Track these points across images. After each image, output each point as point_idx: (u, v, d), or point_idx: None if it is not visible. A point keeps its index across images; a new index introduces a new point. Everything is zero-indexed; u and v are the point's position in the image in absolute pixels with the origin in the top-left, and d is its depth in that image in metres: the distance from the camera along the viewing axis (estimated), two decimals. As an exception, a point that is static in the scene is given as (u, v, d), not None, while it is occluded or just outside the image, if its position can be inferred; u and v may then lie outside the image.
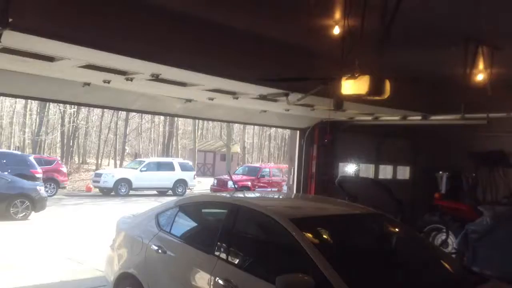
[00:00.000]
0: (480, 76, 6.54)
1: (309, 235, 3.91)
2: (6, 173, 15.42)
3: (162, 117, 44.41)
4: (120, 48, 4.73)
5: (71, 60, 5.10)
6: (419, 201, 10.01)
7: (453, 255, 6.84)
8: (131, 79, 5.84)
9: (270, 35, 5.84)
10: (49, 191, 19.40)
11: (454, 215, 8.87)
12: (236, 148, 45.73)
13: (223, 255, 4.19)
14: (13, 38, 4.16)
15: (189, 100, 7.76)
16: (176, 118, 41.88)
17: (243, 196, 5.61)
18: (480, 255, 5.98)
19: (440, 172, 9.83)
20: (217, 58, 5.57)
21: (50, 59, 5.12)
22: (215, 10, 5.10)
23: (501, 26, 5.47)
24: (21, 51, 4.81)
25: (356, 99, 5.57)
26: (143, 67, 5.30)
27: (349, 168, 10.55)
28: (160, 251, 4.77)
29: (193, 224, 5.29)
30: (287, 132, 44.12)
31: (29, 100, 35.83)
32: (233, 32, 5.65)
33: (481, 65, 6.44)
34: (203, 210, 5.36)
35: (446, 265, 4.29)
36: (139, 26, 4.94)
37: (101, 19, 4.64)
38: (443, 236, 8.79)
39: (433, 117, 8.49)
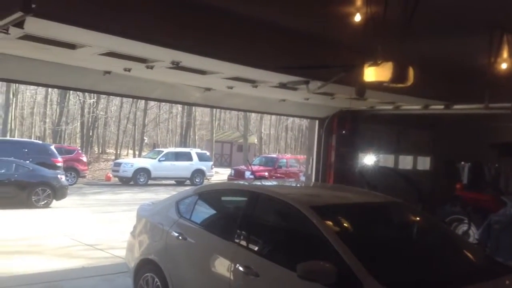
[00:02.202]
0: (504, 65, 6.39)
1: (330, 223, 3.88)
2: (27, 161, 15.70)
3: (180, 108, 44.68)
4: (141, 35, 4.73)
5: (93, 47, 5.12)
6: (440, 191, 9.87)
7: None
8: (152, 67, 5.84)
9: (291, 25, 5.78)
10: (69, 180, 19.67)
11: (476, 206, 8.72)
12: (253, 139, 45.76)
13: (243, 242, 4.19)
14: (36, 25, 4.18)
15: (208, 89, 7.75)
16: (193, 109, 42.13)
17: (263, 184, 5.60)
18: (504, 245, 5.87)
19: (462, 163, 9.68)
20: (236, 46, 5.54)
21: (72, 46, 5.16)
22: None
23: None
24: (43, 38, 4.85)
25: (378, 86, 5.51)
26: (163, 55, 5.30)
27: (369, 158, 10.44)
28: (180, 237, 4.79)
29: (213, 211, 5.30)
30: (304, 123, 44.01)
31: (49, 91, 36.49)
32: (253, 21, 5.61)
33: (505, 54, 6.29)
34: (222, 198, 5.37)
35: (471, 255, 4.22)
36: (161, 14, 4.94)
37: (123, 6, 4.64)
38: (464, 227, 8.66)
39: (456, 106, 8.32)
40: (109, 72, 6.56)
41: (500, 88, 6.57)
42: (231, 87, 7.32)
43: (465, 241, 5.34)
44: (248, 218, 4.42)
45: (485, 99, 7.33)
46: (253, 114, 44.08)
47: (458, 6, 5.11)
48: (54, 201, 14.53)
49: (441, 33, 6.06)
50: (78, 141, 39.91)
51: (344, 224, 4.17)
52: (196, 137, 47.98)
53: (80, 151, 25.15)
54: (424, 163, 11.67)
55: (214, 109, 40.13)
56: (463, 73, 7.91)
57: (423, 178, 10.35)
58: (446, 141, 10.82)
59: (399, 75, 4.84)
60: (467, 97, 7.82)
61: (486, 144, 9.34)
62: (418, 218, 4.64)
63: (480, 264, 4.07)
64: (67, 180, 17.33)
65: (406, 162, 11.33)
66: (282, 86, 6.91)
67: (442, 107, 8.52)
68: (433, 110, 8.71)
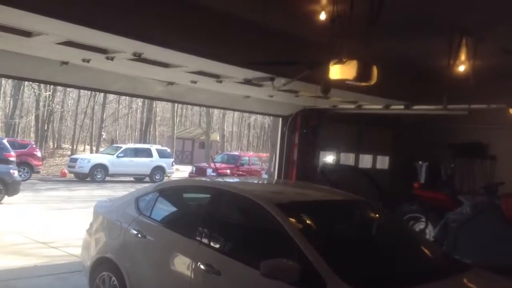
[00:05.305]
0: (462, 67, 6.55)
1: (294, 220, 3.86)
2: (-22, 155, 14.98)
3: (139, 103, 43.83)
4: (102, 24, 4.54)
5: (50, 35, 4.88)
6: (398, 190, 10.07)
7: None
8: (112, 58, 5.64)
9: (258, 21, 5.71)
10: (22, 175, 18.91)
11: (433, 205, 8.95)
12: (215, 136, 45.52)
13: (205, 240, 4.11)
14: (-12, 10, 3.95)
15: (171, 83, 7.58)
16: (154, 104, 41.44)
17: (226, 181, 5.52)
18: (461, 243, 6.03)
19: (420, 162, 9.90)
20: (202, 39, 5.42)
21: (27, 34, 4.90)
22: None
23: (487, 17, 5.47)
24: (-4, 24, 4.59)
25: (342, 85, 5.53)
26: (125, 45, 5.12)
27: (331, 156, 10.54)
28: (139, 235, 4.66)
29: (174, 208, 5.18)
30: (267, 121, 44.08)
31: (3, 83, 34.98)
32: (220, 16, 5.53)
33: (463, 56, 6.45)
34: (184, 195, 5.25)
35: (431, 253, 4.29)
36: (123, 2, 4.76)
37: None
38: (421, 225, 8.86)
39: (415, 107, 8.50)
40: (66, 63, 6.29)
41: (458, 90, 6.73)
42: (195, 82, 7.19)
43: (425, 239, 5.44)
44: (211, 215, 4.34)
45: (443, 100, 7.51)
46: (215, 111, 43.85)
47: (422, 7, 5.20)
48: (6, 197, 13.91)
49: (404, 34, 6.15)
50: (32, 135, 38.51)
51: (308, 222, 4.16)
52: (157, 133, 47.27)
53: (34, 146, 24.25)
54: (384, 162, 11.89)
55: (176, 105, 39.71)
56: (424, 74, 8.08)
57: (382, 177, 10.52)
58: (405, 141, 11.05)
59: (363, 73, 4.89)
60: (427, 98, 8.00)
61: (443, 145, 9.59)
62: (380, 216, 4.68)
63: (440, 262, 4.14)
64: (20, 175, 16.61)
65: (366, 160, 11.51)
66: (247, 82, 6.85)
67: (402, 107, 8.68)
68: (394, 110, 8.87)
